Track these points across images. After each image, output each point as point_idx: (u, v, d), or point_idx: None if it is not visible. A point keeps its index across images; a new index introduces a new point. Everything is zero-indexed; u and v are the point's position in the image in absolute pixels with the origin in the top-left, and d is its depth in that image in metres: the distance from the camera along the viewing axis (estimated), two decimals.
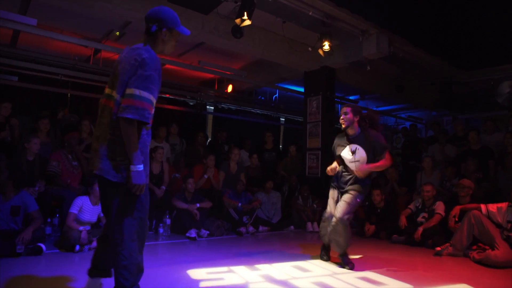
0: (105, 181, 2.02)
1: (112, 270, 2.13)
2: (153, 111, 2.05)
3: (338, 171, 3.54)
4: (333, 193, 3.59)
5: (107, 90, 2.11)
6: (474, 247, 3.96)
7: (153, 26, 2.08)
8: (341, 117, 3.42)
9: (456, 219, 4.30)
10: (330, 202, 3.59)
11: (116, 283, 1.99)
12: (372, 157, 3.33)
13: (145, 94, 1.95)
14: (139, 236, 2.05)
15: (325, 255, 3.73)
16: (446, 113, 9.71)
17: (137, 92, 1.94)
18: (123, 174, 1.99)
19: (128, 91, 1.95)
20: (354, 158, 3.34)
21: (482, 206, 4.06)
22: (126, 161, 1.98)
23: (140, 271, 2.06)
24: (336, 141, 3.60)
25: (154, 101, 2.04)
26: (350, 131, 3.44)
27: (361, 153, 3.32)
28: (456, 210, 4.31)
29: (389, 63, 6.85)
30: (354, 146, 3.36)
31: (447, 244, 4.12)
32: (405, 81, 7.88)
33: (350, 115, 3.38)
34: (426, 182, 5.24)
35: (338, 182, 3.54)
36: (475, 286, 2.93)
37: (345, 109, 3.42)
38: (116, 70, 2.07)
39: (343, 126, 3.42)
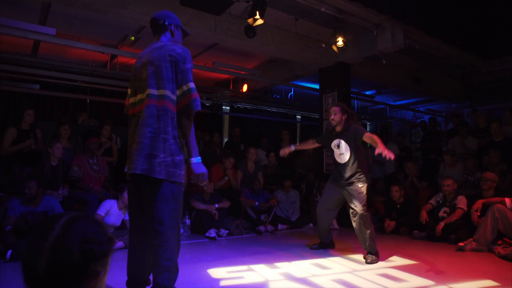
0: (148, 180, 2.00)
1: (151, 275, 2.12)
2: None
3: (338, 166, 3.76)
4: (331, 187, 3.86)
5: (139, 96, 2.13)
6: (500, 242, 3.85)
7: (165, 20, 2.21)
8: (331, 117, 3.68)
9: (479, 214, 4.21)
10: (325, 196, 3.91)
11: (156, 284, 1.99)
12: (354, 144, 3.61)
13: (193, 85, 2.13)
14: (178, 237, 2.09)
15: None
16: (466, 104, 9.45)
17: (192, 85, 2.11)
18: (169, 170, 2.01)
19: (186, 86, 2.10)
20: (340, 151, 3.69)
21: (507, 200, 3.96)
22: (170, 157, 2.03)
23: (177, 271, 2.09)
24: (326, 135, 3.95)
25: None
26: (338, 128, 3.72)
27: (344, 146, 3.66)
28: (479, 204, 4.22)
29: (405, 56, 6.71)
30: (337, 141, 3.71)
31: (470, 239, 4.03)
32: (422, 73, 7.70)
33: (338, 115, 3.66)
34: (447, 176, 5.13)
35: (338, 178, 3.74)
36: (501, 282, 2.85)
37: (334, 109, 3.70)
38: (145, 72, 2.09)
39: (333, 124, 3.72)
